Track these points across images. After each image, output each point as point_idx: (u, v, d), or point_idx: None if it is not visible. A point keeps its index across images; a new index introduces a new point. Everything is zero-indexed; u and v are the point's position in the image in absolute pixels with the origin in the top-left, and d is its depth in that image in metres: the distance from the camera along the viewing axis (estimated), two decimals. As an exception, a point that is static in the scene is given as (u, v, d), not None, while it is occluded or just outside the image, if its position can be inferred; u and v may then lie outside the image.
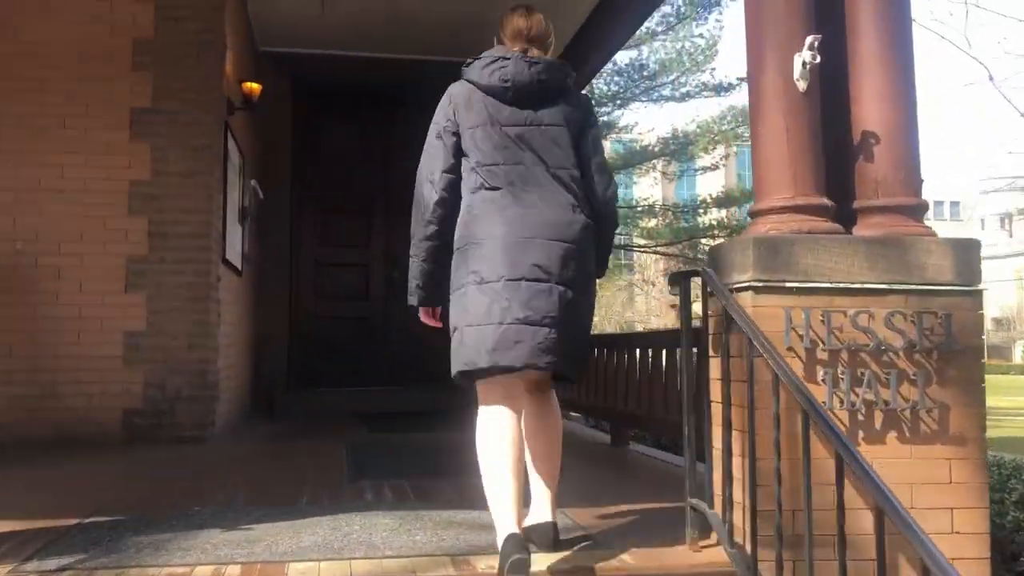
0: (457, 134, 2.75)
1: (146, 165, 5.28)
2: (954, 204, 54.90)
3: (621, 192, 28.21)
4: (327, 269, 8.47)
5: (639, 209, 22.99)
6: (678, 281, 2.91)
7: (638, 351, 5.12)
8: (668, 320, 27.87)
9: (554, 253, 2.59)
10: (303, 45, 7.94)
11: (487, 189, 2.68)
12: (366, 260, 8.55)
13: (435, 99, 2.85)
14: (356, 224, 8.56)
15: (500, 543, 2.44)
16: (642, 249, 24.46)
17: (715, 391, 2.80)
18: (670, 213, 22.93)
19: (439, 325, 2.91)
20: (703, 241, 22.84)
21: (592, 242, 2.70)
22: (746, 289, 2.68)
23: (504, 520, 2.50)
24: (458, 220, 2.74)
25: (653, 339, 4.96)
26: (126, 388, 5.18)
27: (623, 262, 31.18)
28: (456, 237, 2.74)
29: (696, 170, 21.82)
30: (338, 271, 8.50)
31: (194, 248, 5.29)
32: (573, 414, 6.88)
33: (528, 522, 2.68)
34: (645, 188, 24.11)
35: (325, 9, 7.19)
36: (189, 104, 5.35)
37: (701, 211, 22.23)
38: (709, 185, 25.39)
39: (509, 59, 2.72)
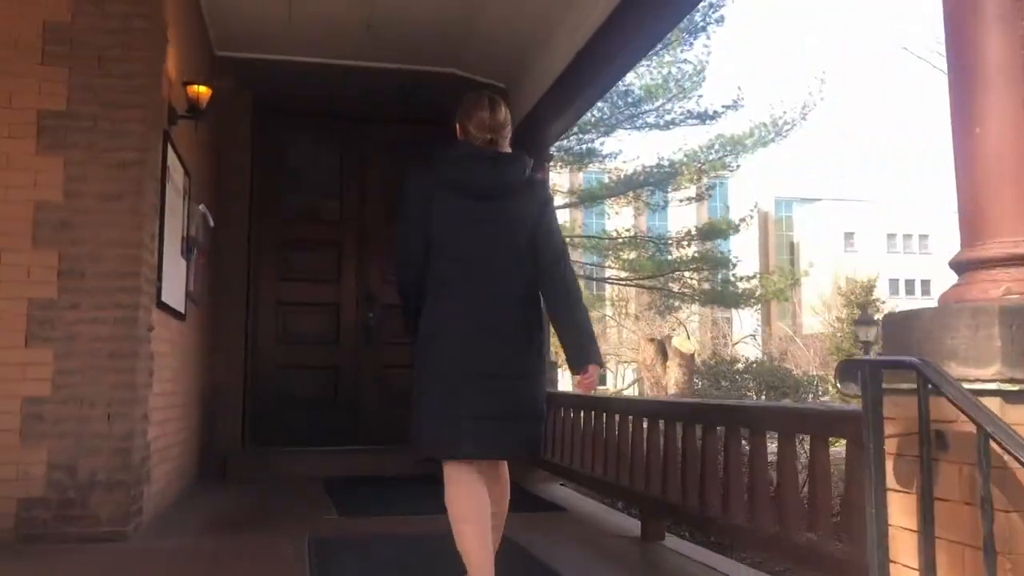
0: (424, 224, 2.92)
1: (57, 184, 4.13)
2: None
3: (596, 223, 27.30)
4: (290, 309, 7.32)
5: (620, 240, 22.04)
6: (854, 372, 1.83)
7: (679, 426, 4.06)
8: (647, 354, 26.88)
9: (506, 350, 2.86)
10: (267, 50, 6.84)
11: (448, 285, 2.90)
12: (336, 298, 7.40)
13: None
14: (325, 257, 7.43)
15: None
16: (620, 282, 23.50)
17: (900, 512, 1.72)
18: (651, 245, 22.05)
19: None
20: (686, 275, 22.01)
21: (539, 325, 2.98)
22: (992, 393, 1.61)
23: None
24: (425, 304, 2.95)
25: (712, 415, 3.85)
26: (23, 472, 3.99)
27: (595, 293, 30.20)
28: (421, 319, 2.96)
29: (681, 200, 20.89)
30: (303, 311, 7.34)
31: (118, 290, 4.14)
32: (586, 494, 5.76)
33: None
34: (624, 219, 23.15)
35: (293, 9, 6.11)
36: (115, 108, 4.23)
37: (685, 243, 21.37)
38: (681, 218, 24.54)
39: (475, 160, 2.95)
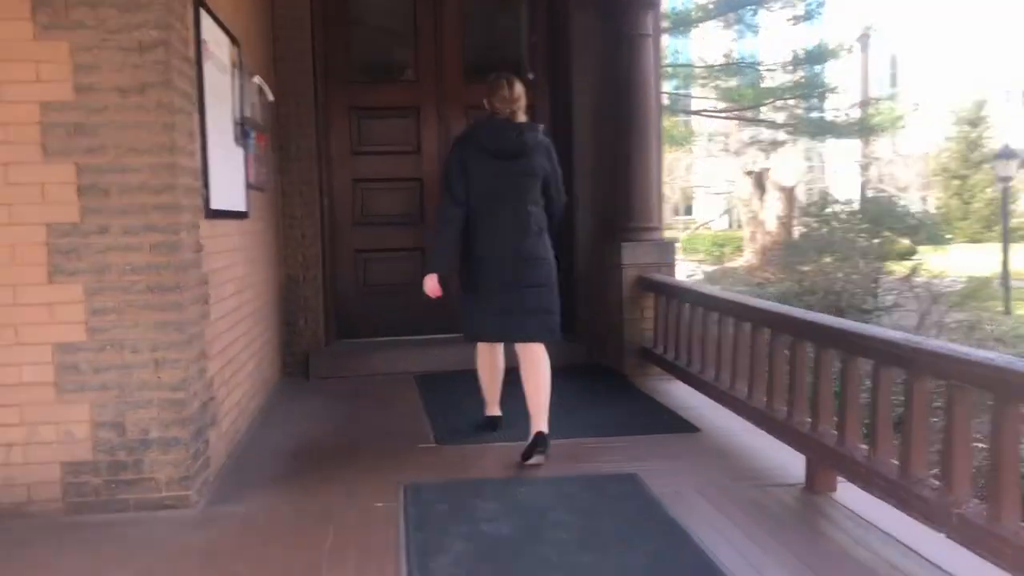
0: (465, 178, 4.05)
1: (65, 77, 3.27)
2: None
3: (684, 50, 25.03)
4: (367, 187, 6.47)
5: (716, 68, 20.24)
6: None
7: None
8: (744, 187, 25.42)
9: (526, 267, 4.05)
10: None
11: (482, 214, 4.06)
12: (417, 172, 6.51)
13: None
14: (401, 125, 6.49)
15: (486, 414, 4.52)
16: (716, 114, 21.77)
17: None
18: (749, 71, 20.23)
19: (439, 294, 4.15)
20: (790, 102, 20.25)
21: (550, 248, 4.16)
22: None
23: (490, 406, 4.53)
24: (469, 226, 4.09)
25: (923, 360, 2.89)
26: (65, 432, 3.35)
27: (686, 128, 28.32)
28: (467, 242, 4.12)
29: (787, 20, 18.89)
30: (382, 189, 6.50)
31: (153, 209, 3.33)
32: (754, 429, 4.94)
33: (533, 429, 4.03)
34: (716, 46, 21.09)
35: None
36: (126, -29, 3.28)
37: (789, 68, 19.54)
38: (780, 44, 22.26)
39: (503, 131, 4.05)
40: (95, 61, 3.27)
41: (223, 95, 4.22)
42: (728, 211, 34.86)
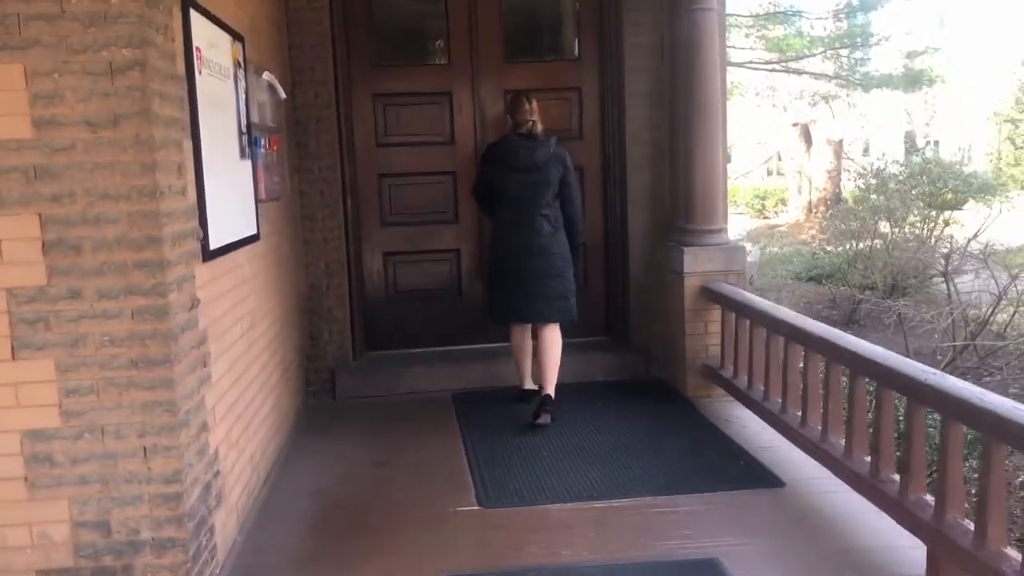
0: (491, 179, 4.91)
1: (21, 110, 2.66)
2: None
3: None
4: (396, 183, 5.84)
5: (761, 16, 19.14)
6: None
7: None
8: (789, 140, 24.37)
9: (544, 258, 4.76)
10: None
11: (504, 217, 4.87)
12: (452, 165, 5.85)
13: None
14: (433, 113, 5.82)
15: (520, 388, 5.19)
16: (762, 66, 20.64)
17: None
18: (796, 18, 19.11)
19: None
20: (841, 52, 19.16)
21: (563, 243, 4.84)
22: None
23: (523, 380, 5.16)
24: (493, 221, 5.03)
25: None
26: (40, 534, 2.81)
27: (732, 83, 27.04)
28: (493, 232, 5.04)
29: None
30: (413, 185, 5.86)
31: (134, 267, 2.74)
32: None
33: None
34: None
35: None
36: (91, -25, 2.64)
37: (841, 15, 18.45)
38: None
39: (519, 148, 4.77)
40: (56, 89, 2.65)
41: (224, 105, 3.60)
42: (769, 162, 33.65)
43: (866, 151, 24.01)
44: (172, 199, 2.84)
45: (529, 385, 5.13)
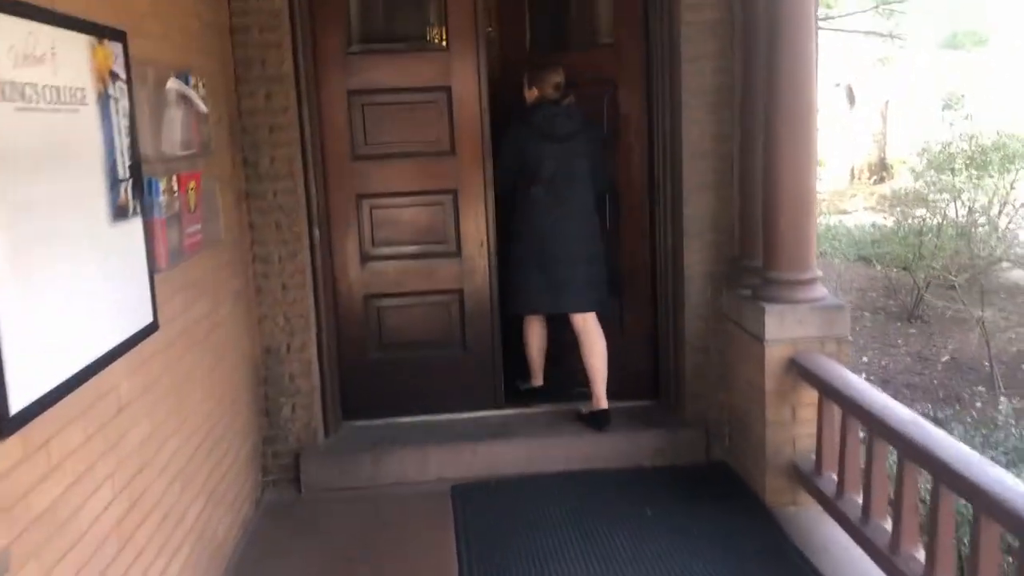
0: (519, 159, 4.30)
1: None
2: None
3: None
4: (380, 205, 4.48)
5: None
6: None
7: None
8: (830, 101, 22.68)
9: (577, 243, 4.30)
10: None
11: (536, 194, 4.28)
12: (454, 183, 4.47)
13: None
14: (426, 114, 4.44)
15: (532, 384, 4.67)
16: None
17: None
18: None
19: None
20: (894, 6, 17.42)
21: (596, 223, 4.38)
22: None
23: (536, 376, 4.64)
24: (519, 203, 4.36)
25: None
26: None
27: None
28: (518, 217, 4.38)
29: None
30: (402, 208, 4.51)
31: None
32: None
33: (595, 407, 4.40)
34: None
35: None
36: None
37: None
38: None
39: (556, 116, 4.26)
40: None
41: (69, 151, 2.25)
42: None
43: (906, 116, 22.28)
44: None
45: (540, 382, 4.69)
